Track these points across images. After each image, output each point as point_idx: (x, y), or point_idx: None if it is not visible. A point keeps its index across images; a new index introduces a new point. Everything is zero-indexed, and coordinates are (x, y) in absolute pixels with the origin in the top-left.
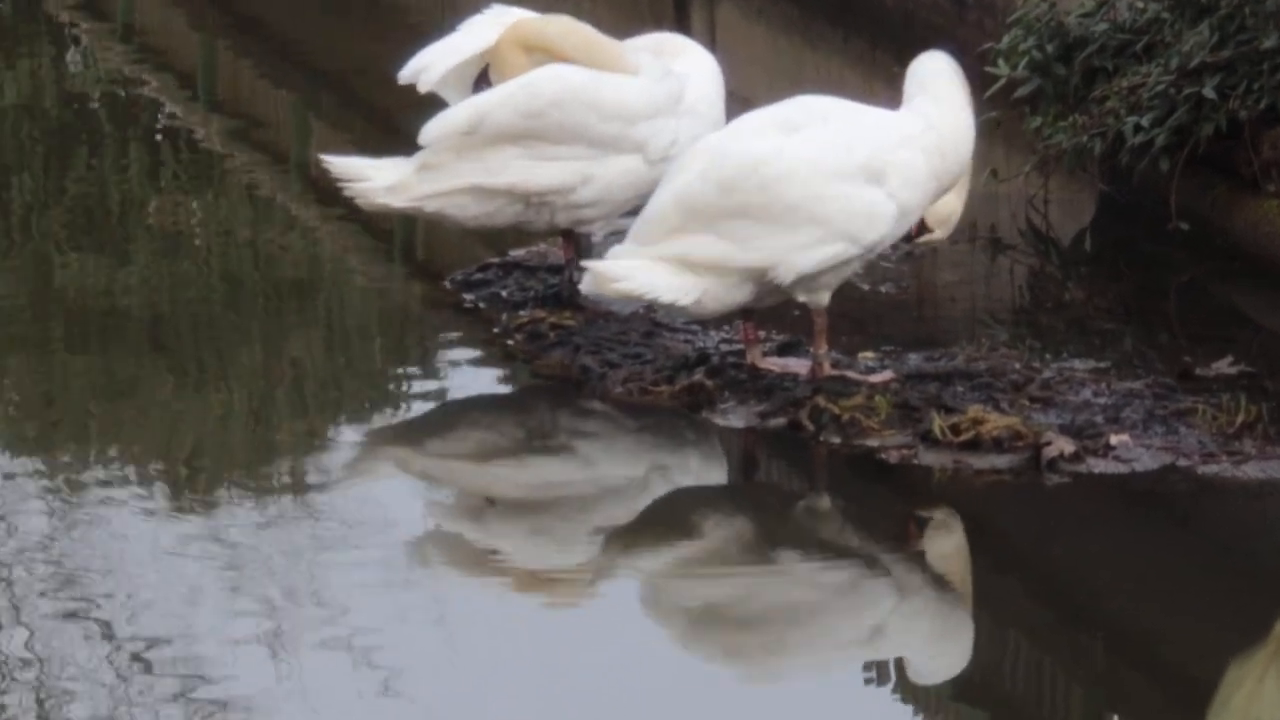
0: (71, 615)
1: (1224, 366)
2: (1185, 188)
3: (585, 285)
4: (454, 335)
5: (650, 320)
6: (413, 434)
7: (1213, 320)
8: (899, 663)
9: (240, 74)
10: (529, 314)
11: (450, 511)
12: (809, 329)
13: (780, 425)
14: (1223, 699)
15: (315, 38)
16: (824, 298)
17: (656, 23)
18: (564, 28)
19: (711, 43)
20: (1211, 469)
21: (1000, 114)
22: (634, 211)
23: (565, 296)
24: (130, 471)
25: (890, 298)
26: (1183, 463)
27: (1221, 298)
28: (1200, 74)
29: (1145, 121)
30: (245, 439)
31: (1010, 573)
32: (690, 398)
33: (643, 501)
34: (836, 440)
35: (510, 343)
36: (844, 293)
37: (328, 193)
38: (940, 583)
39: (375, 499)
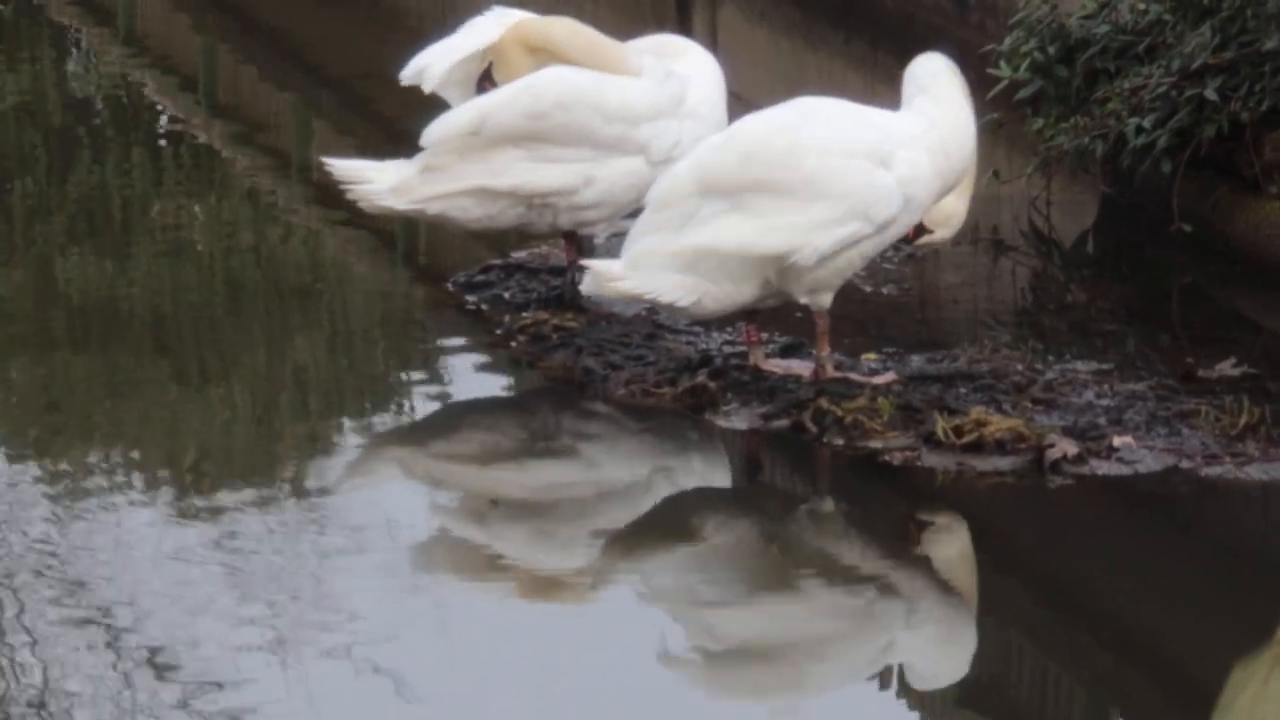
0: (75, 622)
1: (1227, 368)
2: (1187, 189)
3: (585, 285)
4: (456, 337)
5: (653, 322)
6: (415, 436)
7: (1215, 322)
8: (902, 668)
9: (242, 76)
10: (531, 316)
11: (453, 514)
12: (811, 331)
13: (783, 427)
14: (1227, 701)
15: (317, 40)
16: (826, 299)
17: (658, 24)
18: (567, 29)
19: (713, 44)
20: (1215, 471)
21: (1002, 116)
22: (636, 213)
23: (568, 298)
24: (133, 475)
25: (893, 299)
26: (1186, 464)
27: (1224, 299)
28: (1202, 76)
29: (1147, 123)
30: (248, 442)
31: (1013, 574)
32: (693, 399)
33: (645, 503)
34: (839, 442)
35: (513, 345)
36: (846, 295)
37: (330, 195)
38: (944, 586)
39: (378, 502)
